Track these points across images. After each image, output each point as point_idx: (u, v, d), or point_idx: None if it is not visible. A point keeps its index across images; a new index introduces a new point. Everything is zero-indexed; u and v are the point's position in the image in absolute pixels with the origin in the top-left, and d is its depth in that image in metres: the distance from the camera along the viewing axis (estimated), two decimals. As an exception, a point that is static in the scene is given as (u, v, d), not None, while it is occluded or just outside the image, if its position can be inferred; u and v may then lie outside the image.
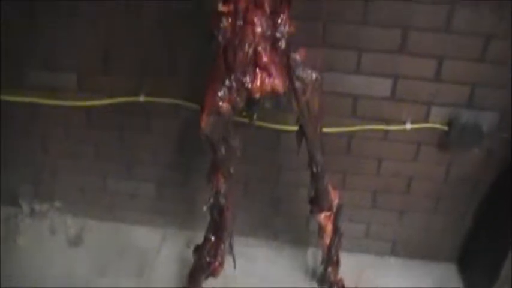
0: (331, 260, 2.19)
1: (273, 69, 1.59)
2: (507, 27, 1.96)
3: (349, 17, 1.99)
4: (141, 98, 2.26)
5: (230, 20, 1.55)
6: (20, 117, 2.43)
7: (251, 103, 1.66)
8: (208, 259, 1.91)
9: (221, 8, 1.54)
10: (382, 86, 2.12)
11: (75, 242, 2.57)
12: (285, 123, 2.18)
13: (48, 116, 2.42)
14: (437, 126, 2.19)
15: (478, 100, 2.14)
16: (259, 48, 1.56)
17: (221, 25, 1.55)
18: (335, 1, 1.95)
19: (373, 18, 1.98)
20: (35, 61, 2.29)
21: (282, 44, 1.59)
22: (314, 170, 1.88)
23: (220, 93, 1.59)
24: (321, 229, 2.09)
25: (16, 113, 2.41)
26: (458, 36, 2.01)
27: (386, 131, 2.22)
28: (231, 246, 1.93)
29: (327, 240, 2.11)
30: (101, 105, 2.30)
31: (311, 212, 2.04)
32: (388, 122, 2.20)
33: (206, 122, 1.62)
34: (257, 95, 1.59)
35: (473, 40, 2.02)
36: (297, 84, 1.67)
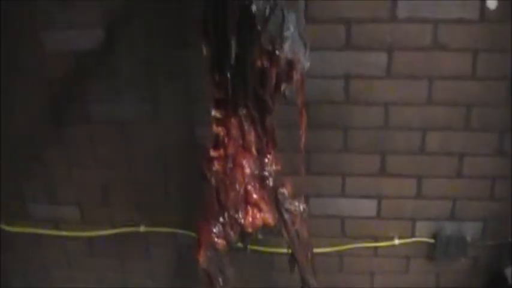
0: None
1: (263, 205, 1.71)
2: (477, 144, 2.12)
3: (331, 145, 2.15)
4: (141, 229, 2.38)
5: (221, 163, 1.69)
6: (22, 246, 2.52)
7: (244, 236, 1.77)
8: None
9: (212, 153, 1.68)
10: (367, 207, 2.25)
11: None
12: (278, 247, 2.28)
13: (51, 245, 2.52)
14: (424, 239, 2.31)
15: (460, 212, 2.27)
16: (249, 187, 1.69)
17: (213, 168, 1.69)
18: (317, 131, 2.11)
19: (353, 146, 2.15)
20: (37, 194, 2.42)
21: (270, 181, 1.72)
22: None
23: (215, 230, 1.70)
24: None
25: (18, 242, 2.50)
26: (433, 157, 2.16)
27: (376, 248, 2.33)
28: None
29: None
30: (102, 235, 2.41)
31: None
32: (376, 238, 2.31)
33: (203, 257, 1.73)
34: (250, 230, 1.71)
35: (448, 159, 2.17)
36: (286, 216, 1.79)
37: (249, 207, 1.71)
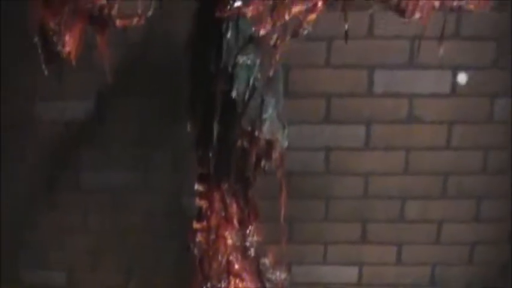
0: None
1: (245, 275, 1.77)
2: (455, 211, 2.21)
3: (313, 215, 2.23)
4: (129, 294, 2.41)
5: (204, 235, 1.75)
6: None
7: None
8: None
9: (195, 225, 1.75)
10: (349, 274, 2.30)
11: None
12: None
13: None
14: (405, 305, 2.35)
15: (440, 278, 2.31)
16: (232, 258, 1.75)
17: (196, 240, 1.75)
18: (299, 201, 2.18)
19: (334, 215, 2.22)
20: (28, 259, 2.45)
21: (252, 252, 1.78)
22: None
23: (199, 300, 1.75)
24: None
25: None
26: (413, 224, 2.23)
27: (358, 311, 2.36)
28: None
29: None
30: (90, 301, 2.44)
31: None
32: (359, 303, 2.35)
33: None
34: (232, 299, 1.76)
35: (427, 226, 2.24)
36: (268, 286, 1.84)
37: (231, 278, 1.76)
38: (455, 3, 1.33)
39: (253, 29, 1.21)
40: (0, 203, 2.34)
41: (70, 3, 1.17)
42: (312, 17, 1.18)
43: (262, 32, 1.16)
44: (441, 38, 1.41)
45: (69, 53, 1.24)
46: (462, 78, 2.11)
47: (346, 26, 1.21)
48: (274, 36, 1.20)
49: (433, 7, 1.31)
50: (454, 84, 2.11)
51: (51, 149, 2.30)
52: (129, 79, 2.10)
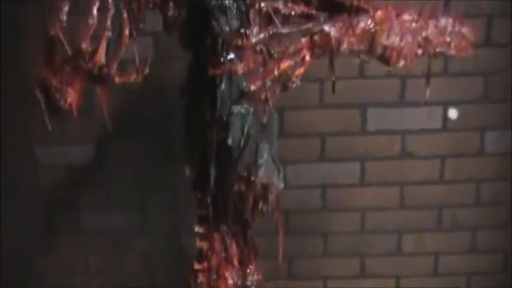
0: None
1: (245, 314, 1.80)
2: (450, 243, 2.27)
3: (311, 251, 2.26)
4: None
5: (205, 275, 1.79)
6: None
7: None
8: None
9: (197, 266, 1.78)
10: (348, 308, 2.33)
11: None
12: None
13: None
14: (405, 337, 2.36)
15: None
16: (232, 300, 1.78)
17: (197, 280, 1.79)
18: (297, 238, 2.22)
19: (333, 251, 2.26)
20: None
21: (252, 290, 1.81)
22: None
23: None
24: None
25: None
26: (409, 257, 2.27)
27: None
28: None
29: None
30: None
31: None
32: None
33: None
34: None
35: (423, 258, 2.29)
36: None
37: (232, 317, 1.78)
38: (437, 50, 1.39)
39: (244, 84, 1.26)
40: (1, 244, 2.37)
41: (71, 63, 1.22)
42: (300, 71, 1.24)
43: (252, 87, 1.22)
44: (427, 80, 1.47)
45: (70, 105, 1.29)
46: (453, 113, 2.17)
47: (334, 78, 1.27)
48: (265, 91, 1.25)
49: (416, 54, 1.37)
50: (445, 119, 2.16)
51: (52, 192, 2.33)
52: (128, 124, 2.16)
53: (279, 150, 1.54)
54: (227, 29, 1.32)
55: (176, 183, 2.16)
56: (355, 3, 1.37)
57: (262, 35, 1.20)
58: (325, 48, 1.25)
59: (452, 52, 1.40)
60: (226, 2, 1.33)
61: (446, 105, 2.17)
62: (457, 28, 1.40)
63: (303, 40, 1.24)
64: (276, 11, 1.28)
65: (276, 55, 1.25)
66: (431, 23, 1.37)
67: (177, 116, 1.56)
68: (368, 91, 2.15)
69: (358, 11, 1.36)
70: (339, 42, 1.26)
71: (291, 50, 1.23)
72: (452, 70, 2.14)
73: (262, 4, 1.30)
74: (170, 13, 1.38)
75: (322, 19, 1.27)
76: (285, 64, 1.23)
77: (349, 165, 2.20)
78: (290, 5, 1.28)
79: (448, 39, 1.39)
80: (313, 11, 1.29)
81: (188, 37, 1.39)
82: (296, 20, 1.31)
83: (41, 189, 2.33)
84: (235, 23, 1.32)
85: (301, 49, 1.24)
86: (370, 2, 1.38)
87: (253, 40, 1.19)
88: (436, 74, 1.83)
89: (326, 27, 1.25)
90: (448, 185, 2.22)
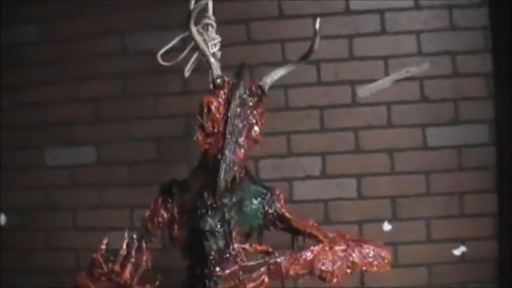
0: None
1: None
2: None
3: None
4: None
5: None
6: None
7: None
8: None
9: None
10: None
11: None
12: None
13: None
14: None
15: None
16: None
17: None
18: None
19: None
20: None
21: None
22: None
23: None
24: None
25: None
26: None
27: None
28: None
29: None
30: None
31: None
32: None
33: None
34: None
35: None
36: None
37: None
38: (364, 268, 1.97)
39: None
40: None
41: (106, 276, 1.85)
42: (262, 288, 1.82)
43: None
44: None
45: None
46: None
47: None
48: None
49: (346, 273, 1.95)
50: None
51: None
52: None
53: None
54: (215, 247, 1.89)
55: None
56: (308, 231, 1.96)
57: (234, 267, 1.80)
58: (278, 274, 1.85)
59: (375, 269, 1.97)
60: (216, 227, 1.88)
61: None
62: (377, 252, 1.98)
63: (262, 269, 1.84)
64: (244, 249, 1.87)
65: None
66: (357, 250, 1.96)
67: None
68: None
69: (311, 236, 1.96)
70: (288, 269, 1.85)
71: (254, 275, 1.83)
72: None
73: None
74: (175, 232, 1.98)
75: (276, 254, 1.87)
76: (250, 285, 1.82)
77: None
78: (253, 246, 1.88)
79: (371, 260, 1.97)
80: (270, 249, 1.88)
81: (186, 250, 1.93)
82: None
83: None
84: (221, 243, 1.90)
85: (261, 274, 1.84)
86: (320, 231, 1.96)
87: (227, 271, 1.79)
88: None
89: (278, 260, 1.85)
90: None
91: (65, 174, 2.81)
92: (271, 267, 1.84)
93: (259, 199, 1.94)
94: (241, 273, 1.80)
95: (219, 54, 2.10)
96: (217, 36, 2.11)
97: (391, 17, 2.58)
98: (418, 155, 2.61)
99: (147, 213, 1.98)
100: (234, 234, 1.86)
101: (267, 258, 1.85)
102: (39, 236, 2.82)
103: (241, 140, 1.82)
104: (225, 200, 1.85)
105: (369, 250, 1.96)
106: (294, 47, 2.56)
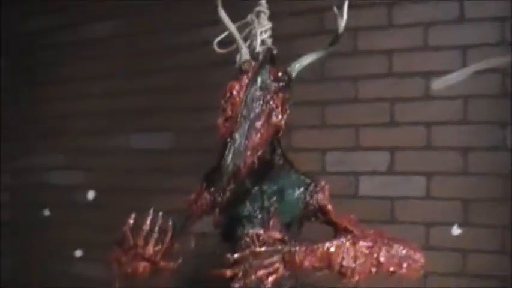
0: None
1: None
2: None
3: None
4: None
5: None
6: None
7: None
8: None
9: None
10: None
11: None
12: None
13: None
14: None
15: None
16: None
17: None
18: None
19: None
20: None
21: None
22: None
23: None
24: None
25: None
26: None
27: None
28: None
29: None
30: None
31: None
32: None
33: None
34: None
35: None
36: None
37: None
38: (391, 269, 1.84)
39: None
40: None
41: (133, 250, 1.93)
42: (273, 277, 1.79)
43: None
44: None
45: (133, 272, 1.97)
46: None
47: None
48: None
49: (370, 272, 1.83)
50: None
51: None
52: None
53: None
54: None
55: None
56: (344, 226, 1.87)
57: (244, 252, 1.78)
58: (292, 264, 1.79)
59: (404, 272, 1.83)
60: (253, 214, 1.89)
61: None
62: (409, 253, 1.84)
63: (276, 257, 1.80)
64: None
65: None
66: (385, 249, 1.83)
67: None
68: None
69: (346, 231, 1.85)
70: (302, 260, 1.79)
71: (266, 262, 1.79)
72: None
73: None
74: (216, 218, 1.97)
75: (292, 243, 1.81)
76: (260, 272, 1.79)
77: None
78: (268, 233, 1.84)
79: (400, 261, 1.83)
80: (286, 238, 1.83)
81: (224, 234, 1.96)
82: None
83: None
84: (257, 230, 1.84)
85: (274, 262, 1.79)
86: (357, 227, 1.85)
87: (236, 256, 1.78)
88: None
89: (292, 249, 1.79)
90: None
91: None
92: (286, 255, 1.78)
93: (301, 189, 1.91)
94: (251, 258, 1.76)
95: (269, 41, 2.08)
96: (268, 23, 2.09)
97: (471, 3, 2.35)
98: (497, 156, 2.35)
99: (193, 196, 2.02)
100: (272, 222, 1.84)
101: (280, 247, 1.79)
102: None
103: (258, 124, 1.80)
104: (265, 187, 1.87)
105: (399, 250, 1.82)
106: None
